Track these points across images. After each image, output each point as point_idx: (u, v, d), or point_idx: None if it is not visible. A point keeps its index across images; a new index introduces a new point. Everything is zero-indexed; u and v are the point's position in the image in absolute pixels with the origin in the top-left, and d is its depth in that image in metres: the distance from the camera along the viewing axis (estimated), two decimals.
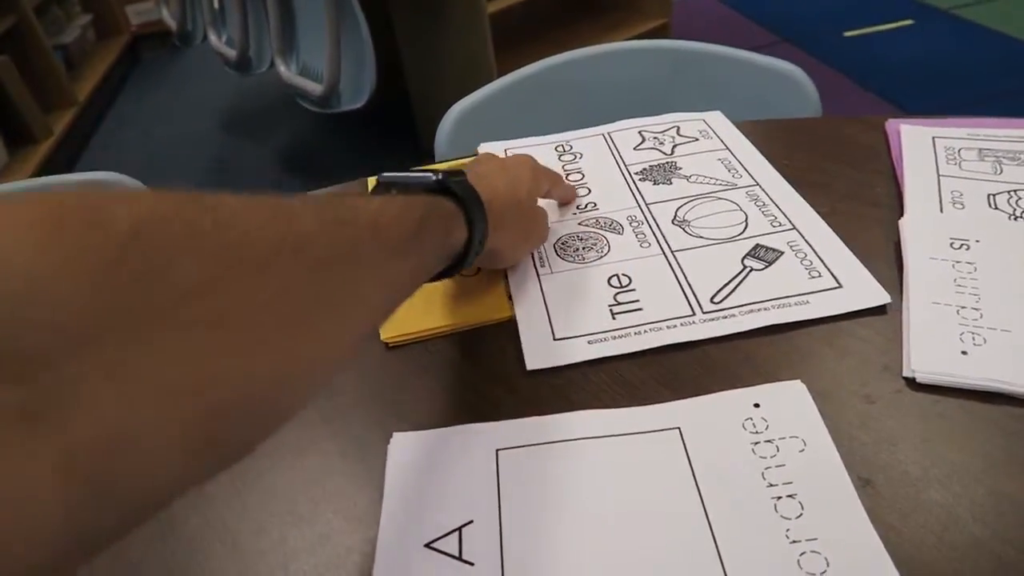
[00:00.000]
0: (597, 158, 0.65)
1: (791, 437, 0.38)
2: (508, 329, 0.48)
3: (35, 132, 2.40)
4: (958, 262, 0.47)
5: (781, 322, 0.45)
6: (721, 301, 0.47)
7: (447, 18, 1.85)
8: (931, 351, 0.42)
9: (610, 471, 0.37)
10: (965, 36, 2.45)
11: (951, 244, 0.49)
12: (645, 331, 0.46)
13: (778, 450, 0.37)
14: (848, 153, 0.62)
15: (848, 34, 2.56)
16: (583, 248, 0.54)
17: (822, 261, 0.49)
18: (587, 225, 0.57)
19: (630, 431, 0.39)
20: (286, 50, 1.77)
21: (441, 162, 0.70)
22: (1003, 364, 0.40)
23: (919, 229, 0.50)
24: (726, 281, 0.48)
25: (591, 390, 0.43)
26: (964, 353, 0.41)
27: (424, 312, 0.50)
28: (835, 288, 0.47)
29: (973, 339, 0.42)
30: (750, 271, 0.49)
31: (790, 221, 0.53)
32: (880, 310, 0.46)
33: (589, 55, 0.82)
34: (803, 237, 0.52)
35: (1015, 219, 0.51)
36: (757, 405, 0.40)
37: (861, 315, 0.46)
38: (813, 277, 0.48)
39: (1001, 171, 0.55)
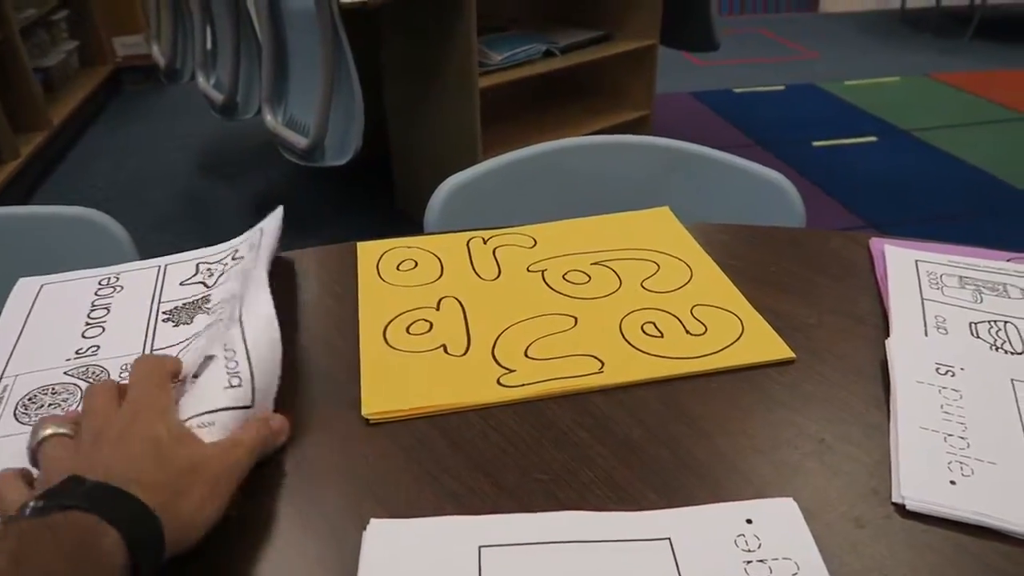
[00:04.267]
0: (136, 295, 0.59)
1: (784, 559, 0.37)
2: (494, 415, 0.47)
3: (2, 152, 2.35)
4: (944, 388, 0.48)
5: None
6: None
7: (439, 88, 1.89)
8: (920, 478, 0.42)
9: None
10: (923, 157, 2.59)
11: (937, 369, 0.49)
12: None
13: (771, 571, 0.36)
14: (833, 266, 0.63)
15: (816, 144, 2.68)
16: (49, 406, 0.48)
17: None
18: (72, 375, 0.51)
19: (620, 538, 0.38)
20: (275, 100, 1.77)
21: (432, 233, 0.69)
22: (990, 498, 0.40)
23: (905, 351, 0.51)
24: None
25: (579, 488, 0.42)
26: (952, 483, 0.41)
27: (407, 390, 0.49)
28: None
29: (961, 469, 0.42)
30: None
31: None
32: (869, 430, 0.46)
33: (585, 144, 0.83)
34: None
35: (996, 349, 0.52)
36: (750, 521, 0.39)
37: (850, 434, 0.46)
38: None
39: (982, 300, 0.57)
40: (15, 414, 0.48)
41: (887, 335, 0.54)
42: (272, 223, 0.62)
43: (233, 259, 0.61)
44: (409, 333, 0.55)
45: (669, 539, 0.38)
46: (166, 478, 0.36)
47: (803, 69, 3.55)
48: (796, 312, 0.57)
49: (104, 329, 0.56)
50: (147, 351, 0.53)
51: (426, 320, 0.56)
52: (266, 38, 1.69)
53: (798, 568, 0.36)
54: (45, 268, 0.77)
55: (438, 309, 0.58)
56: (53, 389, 0.50)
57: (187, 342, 0.53)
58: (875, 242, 0.65)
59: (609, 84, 2.33)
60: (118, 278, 0.62)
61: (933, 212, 2.24)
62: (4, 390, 0.50)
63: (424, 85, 1.93)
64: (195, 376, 0.45)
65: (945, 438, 0.44)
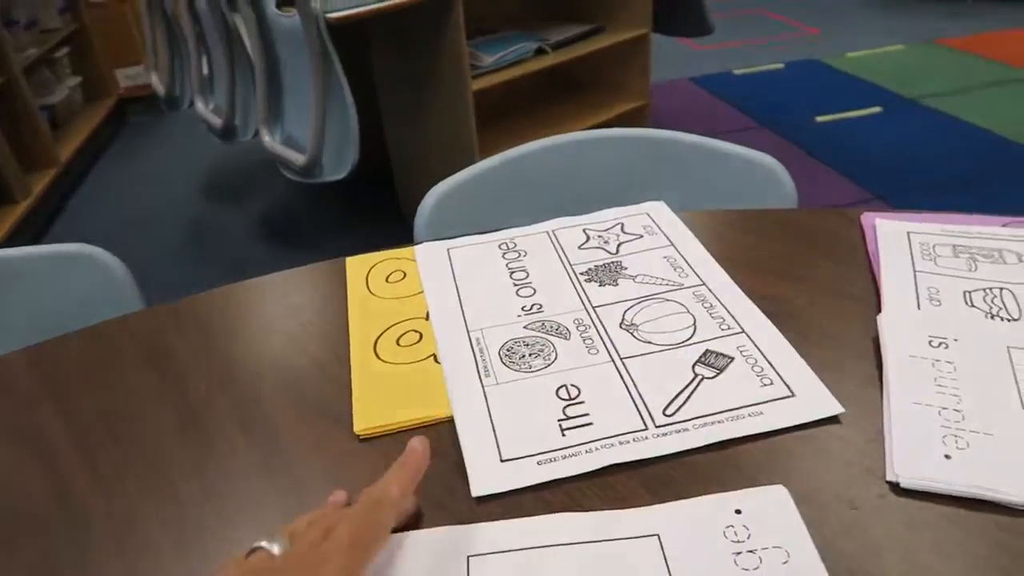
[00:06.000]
0: (542, 257, 0.64)
1: (774, 547, 0.36)
2: None
3: (14, 192, 2.39)
4: (937, 361, 0.47)
5: (734, 436, 0.44)
6: (673, 413, 0.45)
7: (432, 94, 1.89)
8: (914, 455, 0.41)
9: None
10: (930, 124, 2.55)
11: (930, 342, 0.49)
12: (596, 448, 0.43)
13: (761, 561, 0.36)
14: (824, 245, 0.62)
15: (820, 119, 2.65)
16: (529, 355, 0.52)
17: (773, 367, 0.49)
18: (532, 329, 0.55)
19: (608, 537, 0.38)
20: (271, 120, 1.78)
21: (421, 243, 0.69)
22: (987, 470, 0.40)
23: (897, 326, 0.50)
24: (678, 391, 0.47)
25: (568, 489, 0.42)
26: (947, 457, 0.41)
27: (398, 403, 0.49)
28: (788, 397, 0.46)
29: (956, 442, 0.41)
30: (701, 379, 0.48)
31: (738, 324, 0.53)
32: (860, 410, 0.45)
33: (570, 141, 0.83)
34: (752, 341, 0.51)
35: (991, 318, 0.51)
36: (739, 511, 0.38)
37: (842, 415, 0.45)
38: (765, 385, 0.47)
39: (976, 268, 0.56)
40: (501, 359, 0.52)
41: (879, 311, 0.53)
42: (661, 215, 0.68)
43: (623, 231, 0.66)
44: (399, 345, 0.55)
45: (658, 535, 0.38)
46: None
47: (804, 46, 3.51)
48: (787, 295, 0.56)
49: (535, 290, 0.59)
50: (587, 308, 0.57)
51: (416, 331, 0.57)
52: (258, 59, 1.70)
53: (789, 556, 0.36)
54: (47, 307, 0.78)
55: (427, 319, 0.58)
56: (525, 342, 0.53)
57: (625, 303, 0.57)
58: (866, 217, 0.64)
59: (604, 77, 2.32)
60: (515, 243, 0.66)
61: (945, 179, 2.20)
62: (478, 343, 0.54)
63: (418, 93, 1.93)
64: (718, 371, 0.49)
65: (939, 411, 0.43)
